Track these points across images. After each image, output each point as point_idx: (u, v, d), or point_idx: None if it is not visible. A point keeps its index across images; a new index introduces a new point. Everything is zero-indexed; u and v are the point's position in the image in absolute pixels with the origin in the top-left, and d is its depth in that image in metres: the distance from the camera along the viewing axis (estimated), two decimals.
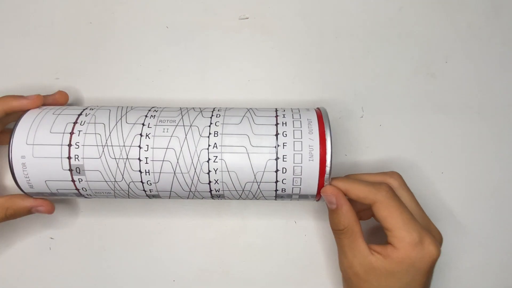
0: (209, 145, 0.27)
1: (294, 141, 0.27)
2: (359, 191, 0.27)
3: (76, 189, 0.28)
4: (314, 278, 0.34)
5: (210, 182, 0.27)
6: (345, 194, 0.28)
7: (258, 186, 0.28)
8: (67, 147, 0.27)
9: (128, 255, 0.34)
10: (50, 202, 0.31)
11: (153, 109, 0.29)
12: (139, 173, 0.27)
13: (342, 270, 0.29)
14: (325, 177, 0.27)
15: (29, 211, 0.30)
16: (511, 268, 0.34)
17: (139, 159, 0.27)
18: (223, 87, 0.36)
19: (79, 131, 0.27)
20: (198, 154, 0.27)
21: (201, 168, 0.27)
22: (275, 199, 0.29)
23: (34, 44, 0.36)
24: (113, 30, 0.36)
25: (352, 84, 0.35)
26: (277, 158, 0.27)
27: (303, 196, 0.29)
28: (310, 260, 0.34)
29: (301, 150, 0.27)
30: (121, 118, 0.28)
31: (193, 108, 0.30)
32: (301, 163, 0.27)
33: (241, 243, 0.35)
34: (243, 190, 0.28)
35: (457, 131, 0.35)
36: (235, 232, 0.35)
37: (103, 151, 0.27)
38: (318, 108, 0.30)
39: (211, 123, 0.28)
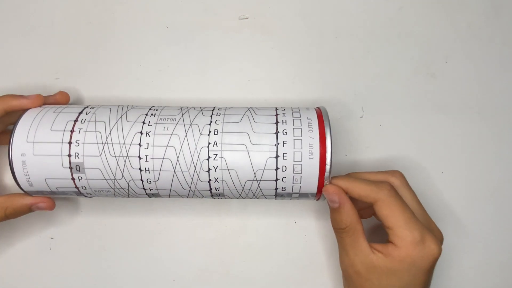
0: (209, 143, 0.27)
1: (294, 139, 0.27)
2: (360, 190, 0.27)
3: (76, 187, 0.28)
4: (314, 278, 0.34)
5: (210, 180, 0.27)
6: (346, 193, 0.28)
7: (258, 184, 0.28)
8: (68, 145, 0.27)
9: (128, 255, 0.34)
10: (51, 198, 0.31)
11: (153, 108, 0.29)
12: (139, 171, 0.27)
13: (343, 268, 0.29)
14: (325, 175, 0.27)
15: (29, 209, 0.30)
16: (511, 268, 0.34)
17: (139, 157, 0.27)
18: (223, 87, 0.36)
19: (80, 129, 0.28)
20: (198, 152, 0.27)
21: (201, 166, 0.27)
22: (275, 198, 0.29)
23: (34, 44, 0.36)
24: (113, 30, 0.36)
25: (352, 84, 0.35)
26: (277, 156, 0.27)
27: (303, 195, 0.29)
28: (310, 260, 0.34)
29: (301, 148, 0.27)
30: (121, 117, 0.28)
31: (193, 107, 0.30)
32: (301, 161, 0.27)
33: (241, 243, 0.35)
34: (243, 189, 0.28)
35: (457, 131, 0.35)
36: (235, 232, 0.35)
37: (103, 149, 0.27)
38: (318, 107, 0.30)
39: (211, 122, 0.28)
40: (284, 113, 0.29)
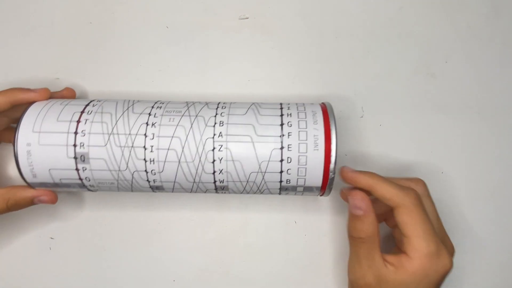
0: (214, 134, 0.27)
1: (299, 131, 0.27)
2: (386, 191, 0.27)
3: (80, 178, 0.28)
4: (314, 278, 0.34)
5: (214, 172, 0.27)
6: (368, 190, 0.27)
7: (263, 176, 0.27)
8: (73, 135, 0.27)
9: (128, 255, 0.34)
10: (53, 191, 0.30)
11: (159, 102, 0.30)
12: (144, 161, 0.27)
13: (352, 278, 0.28)
14: (330, 167, 0.27)
15: (31, 202, 0.30)
16: (511, 268, 0.34)
17: (144, 147, 0.27)
18: (223, 87, 0.36)
19: (86, 119, 0.28)
20: (203, 143, 0.27)
21: (206, 157, 0.27)
22: (279, 193, 0.29)
23: (34, 44, 0.36)
24: (113, 30, 0.36)
25: (352, 84, 0.35)
26: (282, 148, 0.27)
27: (307, 189, 0.28)
28: (310, 260, 0.34)
29: (306, 140, 0.27)
30: (127, 109, 0.28)
31: (199, 101, 0.30)
32: (306, 152, 0.27)
33: (241, 243, 0.35)
34: (247, 181, 0.28)
35: (457, 131, 0.35)
36: (235, 232, 0.35)
37: (108, 139, 0.27)
38: (322, 102, 0.30)
39: (216, 114, 0.28)
40: (289, 107, 0.29)
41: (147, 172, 0.28)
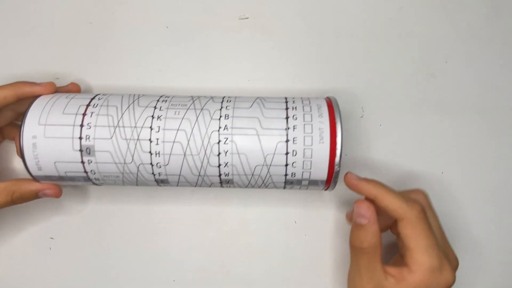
0: (219, 127, 0.27)
1: (304, 124, 0.27)
2: (390, 202, 0.26)
3: (85, 171, 0.28)
4: (314, 278, 0.34)
5: (219, 165, 0.27)
6: (372, 199, 0.27)
7: (268, 169, 0.27)
8: (79, 127, 0.27)
9: (128, 255, 0.34)
10: (57, 185, 0.30)
11: (164, 96, 0.30)
12: (149, 154, 0.27)
13: None
14: (335, 160, 0.27)
15: (36, 195, 0.30)
16: (511, 268, 0.34)
17: (149, 140, 0.27)
18: (223, 87, 0.36)
19: (92, 112, 0.28)
20: (209, 136, 0.27)
21: (211, 150, 0.27)
22: (284, 187, 0.29)
23: (34, 44, 0.36)
24: (113, 30, 0.36)
25: (352, 84, 0.35)
26: (287, 141, 0.27)
27: (312, 183, 0.28)
28: (310, 260, 0.34)
29: (311, 133, 0.27)
30: (133, 102, 0.29)
31: (204, 96, 0.30)
32: (311, 145, 0.27)
33: (241, 243, 0.35)
34: (252, 175, 0.28)
35: (457, 131, 0.35)
36: (235, 232, 0.35)
37: (114, 131, 0.27)
38: (327, 97, 0.30)
39: (221, 107, 0.28)
40: (293, 101, 0.29)
41: (152, 165, 0.28)
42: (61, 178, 0.29)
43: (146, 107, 0.28)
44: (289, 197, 0.35)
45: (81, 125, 0.27)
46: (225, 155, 0.27)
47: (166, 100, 0.29)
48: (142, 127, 0.27)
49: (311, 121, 0.27)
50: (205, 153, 0.27)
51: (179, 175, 0.28)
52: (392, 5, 0.36)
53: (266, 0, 0.36)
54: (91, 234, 0.35)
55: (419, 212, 0.26)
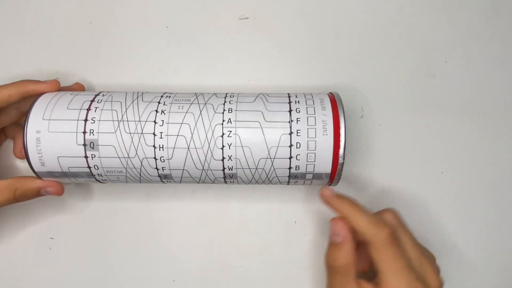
0: (223, 120, 0.27)
1: (307, 117, 0.27)
2: (358, 224, 0.26)
3: (88, 167, 0.28)
4: (314, 278, 0.34)
5: (223, 158, 0.27)
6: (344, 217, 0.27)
7: (272, 163, 0.27)
8: (83, 122, 0.27)
9: (128, 255, 0.34)
10: (60, 183, 0.30)
11: (168, 92, 0.30)
12: (153, 148, 0.27)
13: None
14: (339, 152, 0.27)
15: (38, 193, 0.30)
16: (511, 268, 0.34)
17: (153, 133, 0.27)
18: (223, 87, 0.36)
19: (96, 107, 0.28)
20: (213, 129, 0.27)
21: (215, 143, 0.27)
22: (288, 182, 0.29)
23: (35, 44, 0.36)
24: (113, 30, 0.36)
25: (352, 84, 0.35)
26: (291, 133, 0.27)
27: (317, 176, 0.28)
28: (310, 260, 0.34)
29: (315, 125, 0.27)
30: (137, 98, 0.29)
31: (207, 92, 0.30)
32: (315, 137, 0.27)
33: (241, 243, 0.35)
34: (256, 168, 0.28)
35: (457, 131, 0.35)
36: (235, 232, 0.35)
37: (118, 125, 0.27)
38: (330, 92, 0.30)
39: (225, 101, 0.28)
40: (296, 95, 0.29)
41: (156, 159, 0.28)
42: (64, 174, 0.29)
43: (150, 102, 0.28)
44: (289, 197, 0.35)
45: (85, 120, 0.27)
46: (229, 148, 0.27)
47: (169, 96, 0.29)
48: (146, 121, 0.27)
49: (314, 113, 0.27)
50: (208, 146, 0.27)
51: (183, 169, 0.28)
52: (392, 5, 0.36)
53: (266, 0, 0.36)
54: (91, 234, 0.35)
55: (387, 236, 0.26)
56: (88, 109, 0.28)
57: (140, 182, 0.30)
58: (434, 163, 0.35)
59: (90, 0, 0.37)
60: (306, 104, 0.28)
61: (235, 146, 0.27)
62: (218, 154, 0.27)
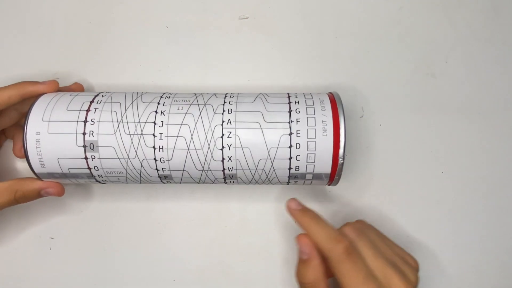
0: (223, 121, 0.27)
1: (307, 117, 0.27)
2: (316, 239, 0.26)
3: (88, 168, 0.28)
4: None
5: (223, 159, 0.27)
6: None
7: (272, 163, 0.27)
8: (83, 123, 0.27)
9: (128, 255, 0.34)
10: (60, 184, 0.30)
11: (167, 93, 0.30)
12: (153, 149, 0.27)
13: None
14: (339, 152, 0.27)
15: (39, 194, 0.30)
16: (511, 268, 0.34)
17: (153, 134, 0.27)
18: (223, 87, 0.36)
19: (96, 108, 0.28)
20: (212, 130, 0.27)
21: (215, 144, 0.27)
22: (288, 182, 0.29)
23: (34, 44, 0.36)
24: (113, 30, 0.36)
25: (352, 84, 0.35)
26: (290, 134, 0.27)
27: (317, 176, 0.28)
28: None
29: (315, 126, 0.27)
30: (136, 98, 0.29)
31: (207, 92, 0.30)
32: (315, 138, 0.27)
33: (241, 243, 0.35)
34: (256, 169, 0.28)
35: (457, 131, 0.35)
36: (235, 232, 0.35)
37: (118, 127, 0.27)
38: (329, 92, 0.30)
39: (225, 102, 0.28)
40: (296, 95, 0.29)
41: (156, 160, 0.28)
42: (64, 175, 0.29)
43: (150, 103, 0.28)
44: (289, 197, 0.35)
45: (85, 121, 0.27)
46: (229, 149, 0.27)
47: (169, 97, 0.29)
48: (145, 122, 0.27)
49: (314, 114, 0.27)
50: (208, 147, 0.27)
51: (183, 170, 0.28)
52: (392, 5, 0.36)
53: (266, 0, 0.36)
54: (91, 234, 0.35)
55: (343, 251, 0.25)
56: (88, 110, 0.28)
57: (140, 182, 0.30)
58: (434, 163, 0.35)
59: (90, 0, 0.37)
60: (306, 105, 0.28)
61: (235, 147, 0.27)
62: (218, 155, 0.27)
